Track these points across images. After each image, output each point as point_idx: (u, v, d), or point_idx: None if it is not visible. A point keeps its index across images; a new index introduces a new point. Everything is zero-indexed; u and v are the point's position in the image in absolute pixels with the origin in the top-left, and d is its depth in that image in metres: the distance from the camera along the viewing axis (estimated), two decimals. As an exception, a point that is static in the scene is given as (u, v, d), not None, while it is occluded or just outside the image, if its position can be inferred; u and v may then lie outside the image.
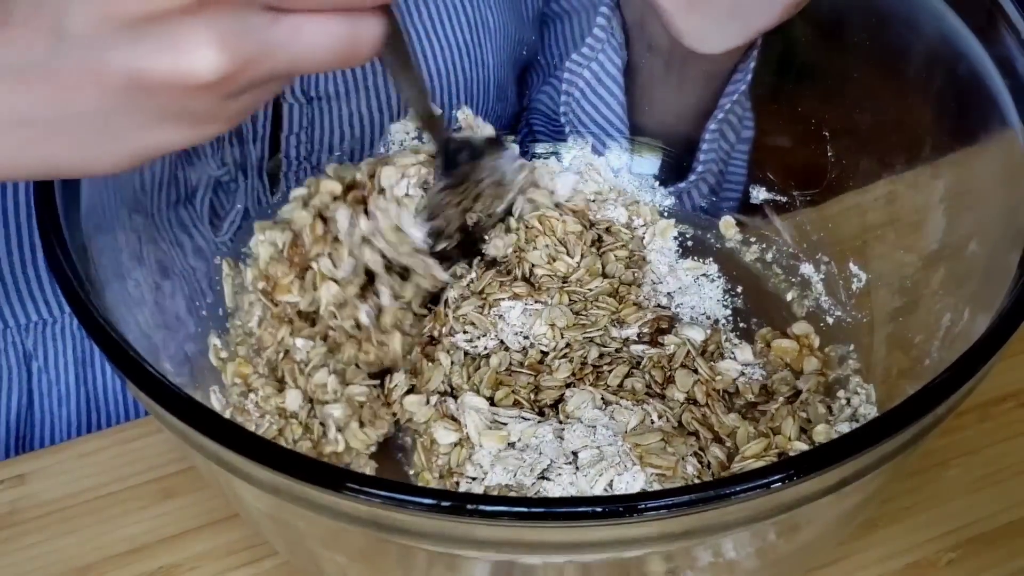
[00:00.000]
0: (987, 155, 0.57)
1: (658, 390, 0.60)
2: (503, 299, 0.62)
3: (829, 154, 0.66)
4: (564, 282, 0.63)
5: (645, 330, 0.62)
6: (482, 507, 0.39)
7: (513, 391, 0.59)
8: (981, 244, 0.56)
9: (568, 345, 0.61)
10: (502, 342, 0.61)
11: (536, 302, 0.62)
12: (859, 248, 0.65)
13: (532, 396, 0.59)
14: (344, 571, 0.50)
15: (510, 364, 0.60)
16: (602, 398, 0.58)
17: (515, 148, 0.67)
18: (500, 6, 0.74)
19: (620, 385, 0.60)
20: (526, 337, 0.61)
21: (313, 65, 0.43)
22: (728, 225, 0.69)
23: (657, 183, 0.71)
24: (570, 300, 0.63)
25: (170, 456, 0.64)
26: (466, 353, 0.61)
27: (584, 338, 0.61)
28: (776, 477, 0.40)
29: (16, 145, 0.43)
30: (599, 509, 0.40)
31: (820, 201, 0.67)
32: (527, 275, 0.63)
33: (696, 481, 0.55)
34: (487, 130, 0.67)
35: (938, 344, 0.56)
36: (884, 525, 0.60)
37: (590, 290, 0.63)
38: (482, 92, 0.73)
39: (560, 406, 0.59)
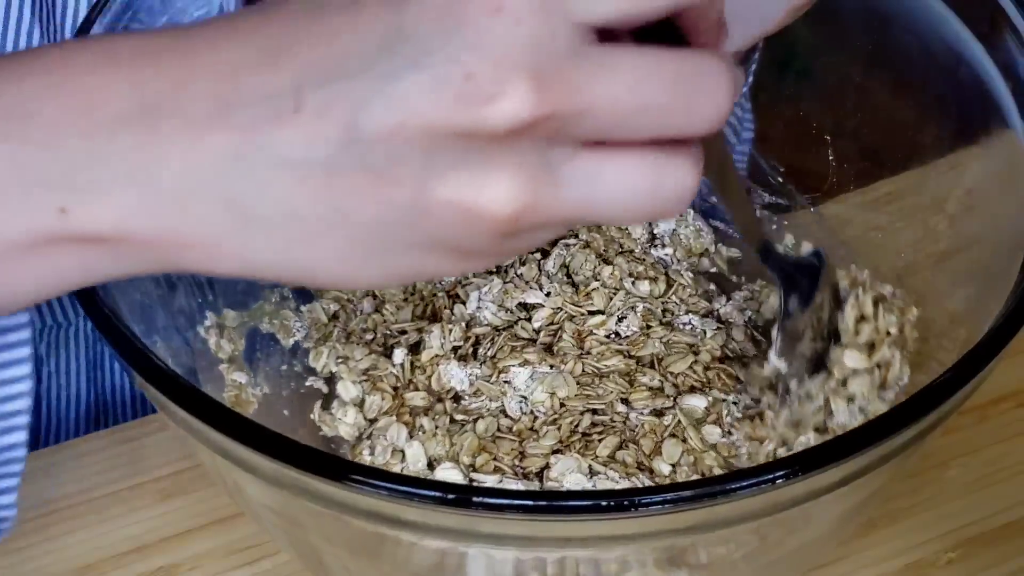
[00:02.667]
0: (989, 158, 0.57)
1: (647, 463, 0.58)
2: (513, 365, 0.60)
3: (830, 157, 0.66)
4: (584, 351, 0.62)
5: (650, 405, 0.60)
6: (488, 500, 0.39)
7: (495, 458, 0.57)
8: (983, 246, 0.56)
9: (563, 406, 0.59)
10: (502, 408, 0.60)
11: (549, 367, 0.60)
12: (860, 249, 0.65)
13: (516, 462, 0.57)
14: (347, 567, 0.50)
15: (497, 428, 0.59)
16: (589, 467, 0.57)
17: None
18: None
19: (611, 456, 0.57)
20: (525, 399, 0.60)
21: (607, 216, 0.38)
22: None
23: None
24: (582, 371, 0.60)
25: (170, 456, 0.63)
26: (452, 419, 0.60)
27: (584, 408, 0.59)
28: (779, 473, 0.40)
29: (282, 242, 0.38)
30: (604, 503, 0.40)
31: (820, 203, 0.67)
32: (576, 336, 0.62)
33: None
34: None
35: (939, 345, 0.56)
36: (884, 525, 0.60)
37: (605, 366, 0.61)
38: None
39: (545, 472, 0.57)
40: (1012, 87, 0.54)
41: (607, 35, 0.36)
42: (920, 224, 0.61)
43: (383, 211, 0.37)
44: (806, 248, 0.63)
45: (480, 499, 0.39)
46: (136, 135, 0.37)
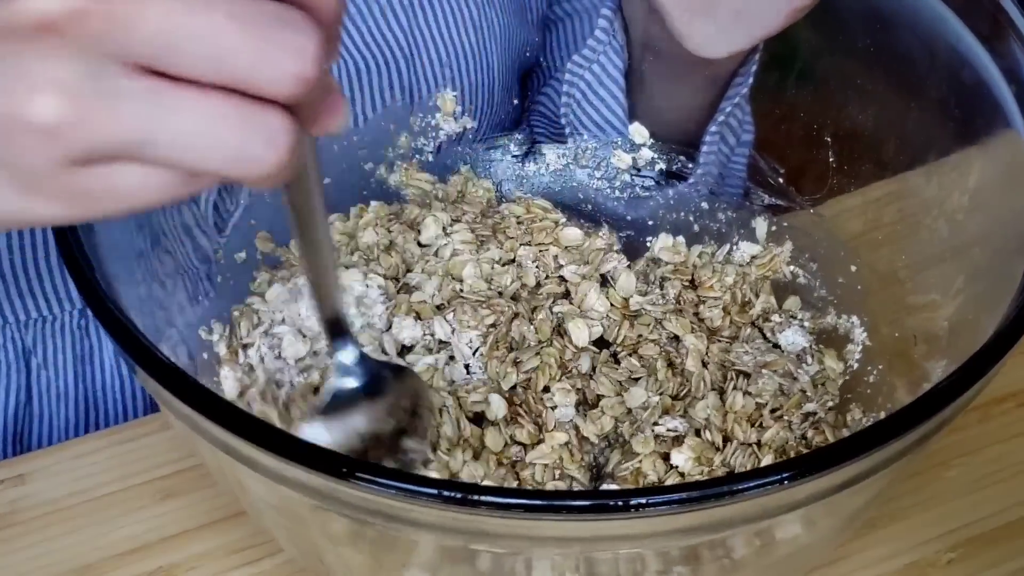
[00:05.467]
0: (991, 159, 0.57)
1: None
2: None
3: (831, 158, 0.66)
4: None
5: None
6: (490, 499, 0.39)
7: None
8: (985, 247, 0.56)
9: None
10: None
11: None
12: (861, 250, 0.65)
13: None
14: (348, 564, 0.50)
15: None
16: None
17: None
18: (505, 9, 0.74)
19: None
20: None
21: (184, 154, 0.35)
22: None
23: (655, 184, 0.71)
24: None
25: (170, 456, 0.63)
26: None
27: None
28: (784, 475, 0.40)
29: None
30: (607, 503, 0.40)
31: (820, 203, 0.67)
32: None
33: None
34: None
35: (940, 347, 0.56)
36: (884, 525, 0.60)
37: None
38: (486, 95, 0.73)
39: None
40: (1014, 89, 0.54)
41: None
42: (921, 225, 0.61)
43: None
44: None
45: (483, 498, 0.39)
46: None
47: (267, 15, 0.34)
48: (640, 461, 0.57)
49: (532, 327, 0.62)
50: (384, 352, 0.61)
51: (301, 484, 0.41)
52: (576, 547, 0.44)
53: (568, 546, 0.44)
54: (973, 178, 0.58)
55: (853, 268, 0.64)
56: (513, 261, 0.66)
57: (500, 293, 0.64)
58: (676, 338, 0.63)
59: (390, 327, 0.62)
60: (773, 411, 0.59)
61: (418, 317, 0.62)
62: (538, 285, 0.65)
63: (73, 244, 0.46)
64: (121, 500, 0.62)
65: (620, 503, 0.39)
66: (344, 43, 0.69)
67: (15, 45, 0.34)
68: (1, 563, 0.59)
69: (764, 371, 0.60)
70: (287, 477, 0.41)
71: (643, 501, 0.39)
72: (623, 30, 0.70)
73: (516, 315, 0.62)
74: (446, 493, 0.39)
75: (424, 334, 0.62)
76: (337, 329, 0.49)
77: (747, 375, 0.61)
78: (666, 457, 0.58)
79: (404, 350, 0.62)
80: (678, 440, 0.58)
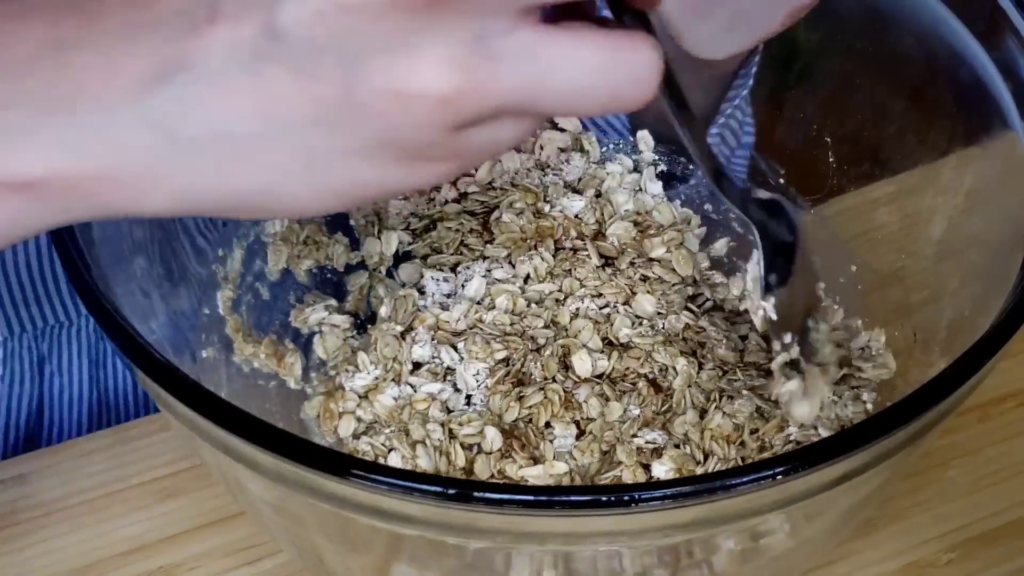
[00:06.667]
0: (989, 158, 0.57)
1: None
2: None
3: (830, 158, 0.66)
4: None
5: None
6: (489, 495, 0.39)
7: None
8: (983, 246, 0.56)
9: None
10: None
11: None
12: (860, 249, 0.65)
13: None
14: (347, 564, 0.50)
15: None
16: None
17: None
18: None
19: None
20: None
21: (564, 106, 0.36)
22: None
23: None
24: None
25: (170, 456, 0.64)
26: None
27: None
28: (779, 469, 0.40)
29: (213, 164, 0.36)
30: (604, 498, 0.40)
31: (821, 203, 0.67)
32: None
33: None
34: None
35: (940, 345, 0.56)
36: (884, 525, 0.60)
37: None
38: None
39: None
40: (1012, 88, 0.54)
41: None
42: (920, 225, 0.61)
43: (313, 112, 0.35)
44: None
45: (481, 494, 0.39)
46: (53, 70, 0.36)
47: None
48: (622, 470, 0.57)
49: (539, 364, 0.61)
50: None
51: (301, 484, 0.41)
52: (573, 544, 0.44)
53: (564, 543, 0.44)
54: (971, 178, 0.59)
55: (853, 268, 0.65)
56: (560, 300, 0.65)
57: (522, 333, 0.63)
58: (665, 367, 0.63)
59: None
60: (752, 432, 0.59)
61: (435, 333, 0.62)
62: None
63: (69, 243, 0.46)
64: (121, 500, 0.62)
65: (614, 498, 0.39)
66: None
67: (403, 22, 0.33)
68: (1, 563, 0.59)
69: (745, 392, 0.60)
70: (285, 476, 0.41)
71: (637, 496, 0.39)
72: (623, 31, 0.70)
73: (527, 353, 0.62)
74: (443, 490, 0.39)
75: (433, 356, 0.62)
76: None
77: (731, 397, 0.60)
78: (647, 467, 0.58)
79: (415, 367, 0.62)
80: (657, 452, 0.58)
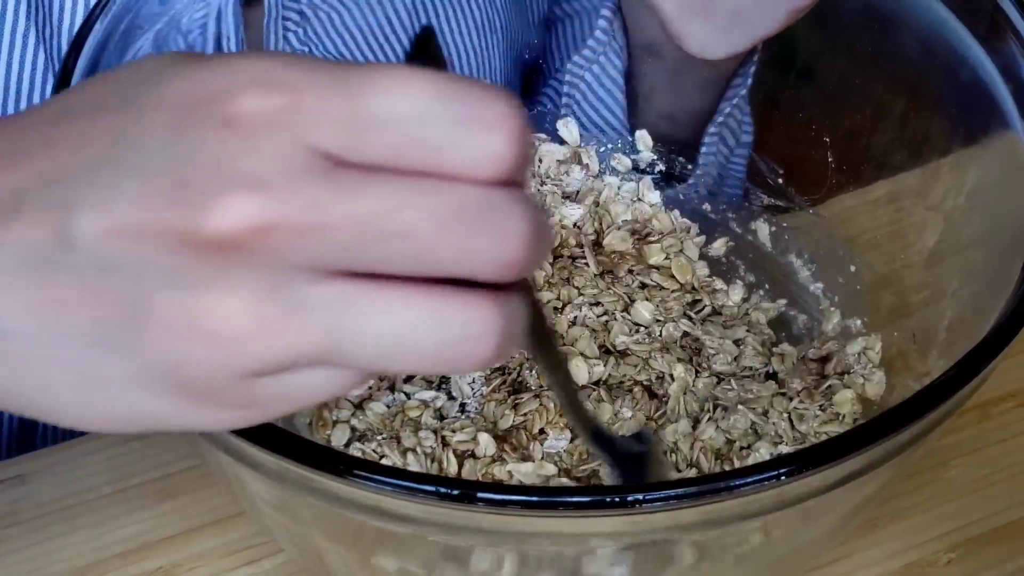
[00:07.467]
0: (989, 158, 0.57)
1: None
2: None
3: (829, 158, 0.66)
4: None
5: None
6: (490, 495, 0.39)
7: None
8: (983, 247, 0.56)
9: None
10: None
11: None
12: (859, 250, 0.65)
13: None
14: (348, 565, 0.50)
15: None
16: None
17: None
18: (507, 10, 0.74)
19: None
20: None
21: (375, 361, 0.33)
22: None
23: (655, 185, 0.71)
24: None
25: (170, 456, 0.63)
26: None
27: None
28: (781, 471, 0.40)
29: (1, 362, 0.34)
30: (606, 499, 0.40)
31: (820, 204, 0.67)
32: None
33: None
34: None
35: (939, 346, 0.56)
36: (884, 525, 0.60)
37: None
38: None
39: None
40: (1012, 88, 0.54)
41: None
42: (920, 225, 0.61)
43: (92, 330, 0.33)
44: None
45: (483, 495, 0.39)
46: None
47: (472, 201, 0.31)
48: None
49: (535, 372, 0.61)
50: None
51: (302, 484, 0.41)
52: (570, 544, 0.44)
53: (562, 542, 0.44)
54: (971, 178, 0.59)
55: (852, 268, 0.65)
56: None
57: None
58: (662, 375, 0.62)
59: None
60: (743, 448, 0.59)
61: None
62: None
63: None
64: (121, 500, 0.62)
65: (618, 499, 0.39)
66: (348, 44, 0.70)
67: (200, 259, 0.31)
68: (1, 563, 0.59)
69: (740, 407, 0.60)
70: (287, 476, 0.41)
71: (641, 497, 0.39)
72: (623, 31, 0.70)
73: (523, 361, 0.62)
74: (445, 490, 0.39)
75: None
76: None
77: (725, 408, 0.60)
78: None
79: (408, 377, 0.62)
80: None
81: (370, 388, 0.61)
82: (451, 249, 0.31)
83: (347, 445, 0.60)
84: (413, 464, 0.57)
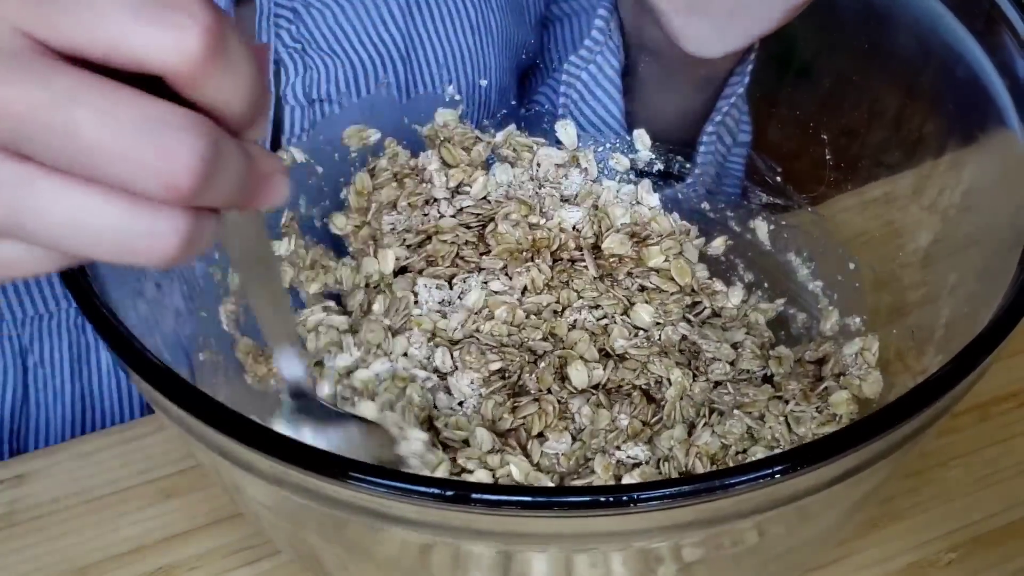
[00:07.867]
0: (986, 156, 0.57)
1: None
2: None
3: (827, 157, 0.66)
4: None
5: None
6: (486, 496, 0.39)
7: None
8: (981, 244, 0.56)
9: None
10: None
11: None
12: (857, 249, 0.65)
13: None
14: (345, 566, 0.50)
15: None
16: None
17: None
18: (503, 10, 0.74)
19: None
20: None
21: (57, 241, 0.34)
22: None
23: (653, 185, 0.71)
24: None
25: (170, 456, 0.64)
26: None
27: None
28: (777, 468, 0.40)
29: None
30: (602, 498, 0.40)
31: (818, 203, 0.67)
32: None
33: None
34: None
35: (936, 344, 0.56)
36: (884, 525, 0.60)
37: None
38: (484, 96, 0.73)
39: None
40: (1009, 86, 0.54)
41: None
42: (917, 224, 0.61)
43: None
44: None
45: (479, 496, 0.39)
46: None
47: (143, 115, 0.32)
48: (593, 480, 0.57)
49: (534, 376, 0.61)
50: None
51: (298, 486, 0.41)
52: (573, 543, 0.44)
53: (565, 544, 0.44)
54: (968, 175, 0.59)
55: (851, 266, 0.65)
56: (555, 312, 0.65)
57: (519, 345, 0.63)
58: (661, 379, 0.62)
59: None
60: (739, 453, 0.59)
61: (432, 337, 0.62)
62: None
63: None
64: (121, 500, 0.62)
65: (613, 499, 0.39)
66: (341, 43, 0.69)
67: None
68: (1, 563, 0.59)
69: (736, 412, 0.60)
70: (281, 478, 0.41)
71: (636, 496, 0.39)
72: (619, 30, 0.70)
73: (524, 365, 0.62)
74: (440, 491, 0.39)
75: (427, 356, 0.62)
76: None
77: (721, 412, 0.60)
78: (618, 479, 0.58)
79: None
80: (636, 467, 0.58)
81: (357, 361, 0.61)
82: (113, 156, 0.32)
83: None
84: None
